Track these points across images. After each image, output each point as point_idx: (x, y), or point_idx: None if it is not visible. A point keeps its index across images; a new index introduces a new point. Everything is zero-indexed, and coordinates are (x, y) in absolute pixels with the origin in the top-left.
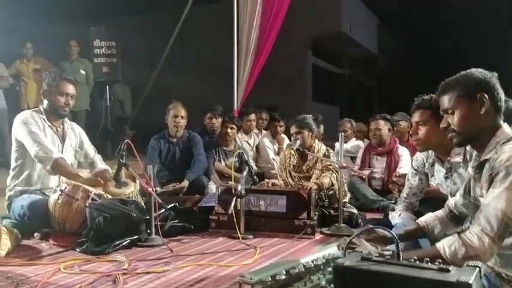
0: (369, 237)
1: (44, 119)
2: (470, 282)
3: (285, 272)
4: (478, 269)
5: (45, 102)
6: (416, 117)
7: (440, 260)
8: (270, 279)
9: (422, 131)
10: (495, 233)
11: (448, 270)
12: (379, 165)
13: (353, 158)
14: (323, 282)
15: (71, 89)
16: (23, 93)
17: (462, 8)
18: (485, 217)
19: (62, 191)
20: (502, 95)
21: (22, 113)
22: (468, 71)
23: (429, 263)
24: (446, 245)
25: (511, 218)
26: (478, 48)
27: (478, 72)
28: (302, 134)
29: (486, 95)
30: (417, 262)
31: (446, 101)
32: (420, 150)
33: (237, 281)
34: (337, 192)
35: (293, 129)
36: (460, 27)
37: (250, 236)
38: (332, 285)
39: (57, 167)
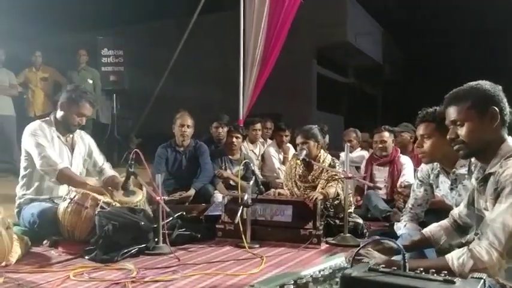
0: (375, 249)
1: (53, 130)
2: None
3: (292, 282)
4: (482, 280)
5: (60, 113)
6: (421, 130)
7: (446, 272)
8: None
9: (427, 143)
10: (503, 247)
11: (454, 282)
12: (381, 175)
13: (358, 168)
14: None
15: (89, 111)
16: (30, 101)
17: (467, 18)
18: (493, 232)
19: (71, 199)
20: (508, 108)
21: (31, 124)
22: (478, 82)
23: (435, 275)
24: (455, 257)
25: None
26: (483, 58)
27: (487, 85)
28: (308, 145)
29: (497, 109)
30: (423, 273)
31: (455, 112)
32: (426, 162)
33: None
34: (342, 202)
35: (299, 140)
36: (464, 38)
37: (257, 245)
38: None
39: (62, 177)
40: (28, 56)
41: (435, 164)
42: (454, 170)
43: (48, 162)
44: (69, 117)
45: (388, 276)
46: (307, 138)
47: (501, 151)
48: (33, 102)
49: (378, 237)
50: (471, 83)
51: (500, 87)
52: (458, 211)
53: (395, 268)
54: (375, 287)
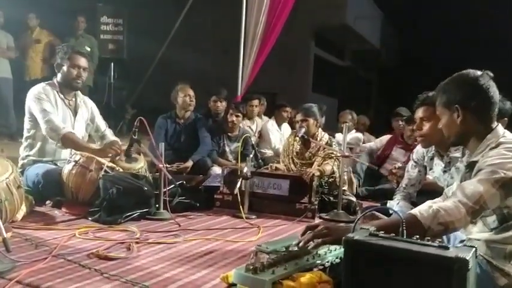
0: (371, 222)
1: (56, 92)
2: (467, 258)
3: (296, 244)
4: (474, 249)
5: (59, 75)
6: (420, 113)
7: (418, 236)
8: (284, 249)
9: (426, 126)
10: (470, 206)
11: (448, 248)
12: (400, 158)
13: (351, 150)
14: (329, 258)
15: (83, 61)
16: (25, 64)
17: (467, 5)
18: (463, 192)
19: (76, 161)
20: (492, 98)
21: (36, 87)
22: (453, 76)
23: (430, 241)
24: (423, 210)
25: (486, 203)
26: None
27: (462, 78)
28: (307, 122)
29: (459, 107)
30: (419, 240)
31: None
32: (423, 146)
33: (253, 249)
34: (337, 180)
35: (299, 117)
36: (464, 25)
37: (253, 216)
38: (337, 260)
39: (66, 141)
40: (24, 18)
41: (430, 146)
42: (448, 153)
43: (53, 127)
44: (67, 74)
45: (388, 240)
46: (307, 116)
47: (487, 141)
48: (29, 66)
49: (374, 210)
50: (446, 80)
51: (486, 73)
52: (452, 191)
53: (393, 234)
54: (376, 249)
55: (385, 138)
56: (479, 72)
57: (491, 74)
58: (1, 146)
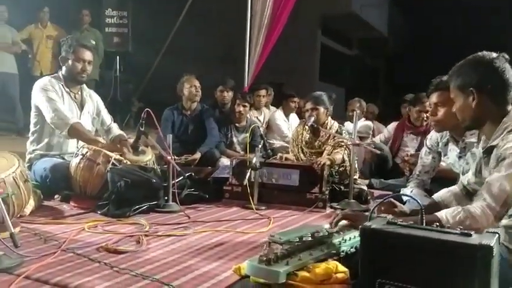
0: (387, 210)
1: (62, 85)
2: (491, 245)
3: (310, 235)
4: (497, 235)
5: (63, 68)
6: (434, 98)
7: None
8: (298, 240)
9: (441, 112)
10: (498, 211)
11: (470, 235)
12: (412, 144)
13: (361, 138)
14: (344, 247)
15: (88, 55)
16: (35, 59)
17: None
18: (490, 194)
19: (83, 155)
20: (508, 80)
21: (41, 80)
22: (468, 58)
23: (450, 229)
24: (449, 215)
25: None
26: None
27: (477, 61)
28: (317, 111)
29: (474, 90)
30: (439, 227)
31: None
32: (437, 130)
33: (266, 240)
34: (347, 169)
35: (308, 106)
36: (471, 10)
37: (263, 207)
38: (352, 250)
39: (74, 132)
40: (32, 12)
41: (444, 132)
42: (463, 138)
43: (60, 115)
44: (72, 67)
45: (406, 228)
46: (317, 105)
47: (503, 124)
48: (39, 61)
49: (391, 198)
50: (460, 62)
51: (502, 55)
52: (467, 178)
53: (412, 222)
54: (395, 238)
55: (392, 126)
56: (494, 54)
57: (507, 57)
58: (9, 141)
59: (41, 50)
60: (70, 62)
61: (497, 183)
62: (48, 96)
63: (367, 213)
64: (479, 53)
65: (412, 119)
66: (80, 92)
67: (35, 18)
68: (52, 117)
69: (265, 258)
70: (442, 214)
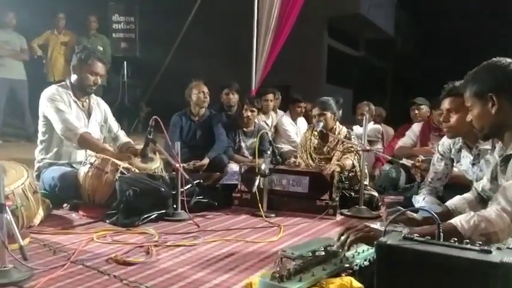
0: (399, 219)
1: (69, 94)
2: None
3: (323, 249)
4: None
5: (74, 77)
6: (447, 104)
7: (456, 239)
8: (310, 254)
9: (453, 118)
10: None
11: (490, 252)
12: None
13: (370, 142)
14: (357, 260)
15: (102, 68)
16: (49, 65)
17: None
18: (505, 198)
19: (91, 163)
20: None
21: (48, 89)
22: (482, 65)
23: (469, 244)
24: (463, 221)
25: None
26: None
27: (492, 66)
28: (325, 116)
29: (494, 95)
30: (457, 243)
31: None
32: (450, 136)
33: (278, 255)
34: (358, 174)
35: (316, 111)
36: (478, 11)
37: (273, 215)
38: (366, 263)
39: (84, 142)
40: (46, 18)
41: (457, 138)
42: (477, 145)
43: (69, 126)
44: (83, 78)
45: (423, 245)
46: (325, 110)
47: None
48: (53, 67)
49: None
50: (475, 69)
51: None
52: (482, 185)
53: (429, 237)
54: (411, 255)
55: (417, 128)
56: (509, 60)
57: None
58: (18, 147)
59: (55, 56)
60: (83, 72)
61: None
62: (57, 107)
63: (378, 227)
64: (493, 59)
65: (436, 122)
66: (87, 100)
67: (51, 25)
68: (61, 129)
69: (277, 275)
70: (456, 221)
